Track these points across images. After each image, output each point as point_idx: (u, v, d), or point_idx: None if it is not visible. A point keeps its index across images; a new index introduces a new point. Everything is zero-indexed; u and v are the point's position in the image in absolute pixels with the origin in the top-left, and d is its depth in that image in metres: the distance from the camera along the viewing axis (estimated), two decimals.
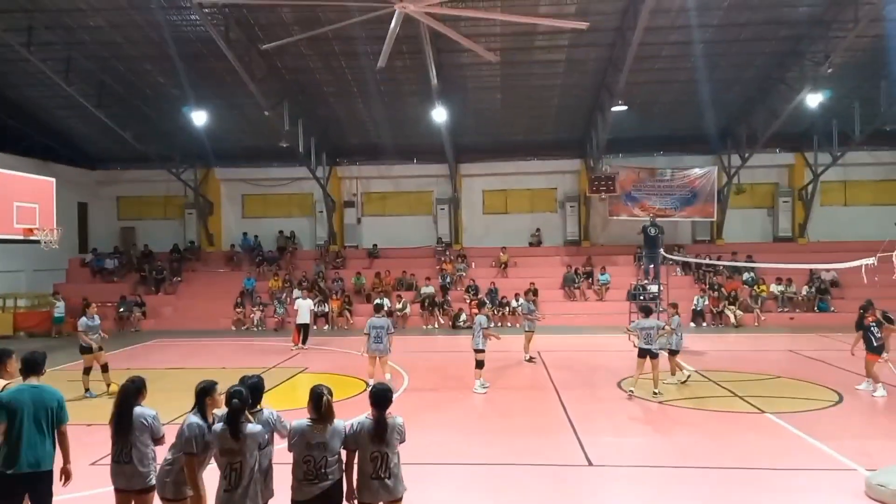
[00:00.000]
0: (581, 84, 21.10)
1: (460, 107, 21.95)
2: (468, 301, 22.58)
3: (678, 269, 23.99)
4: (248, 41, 17.60)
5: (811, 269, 22.13)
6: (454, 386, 12.70)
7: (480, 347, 11.85)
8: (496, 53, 16.64)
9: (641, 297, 18.83)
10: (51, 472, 5.14)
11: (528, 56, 19.20)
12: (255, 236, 26.70)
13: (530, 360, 14.99)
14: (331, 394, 4.92)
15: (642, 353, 11.35)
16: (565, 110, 23.12)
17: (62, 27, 17.44)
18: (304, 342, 17.56)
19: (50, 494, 5.16)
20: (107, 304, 23.14)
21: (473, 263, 25.30)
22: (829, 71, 17.83)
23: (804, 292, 22.72)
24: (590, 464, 8.06)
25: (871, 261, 8.87)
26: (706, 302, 21.84)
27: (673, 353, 12.68)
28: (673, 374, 12.69)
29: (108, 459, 5.25)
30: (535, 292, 17.62)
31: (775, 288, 22.84)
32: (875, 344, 11.44)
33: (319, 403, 4.83)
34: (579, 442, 8.88)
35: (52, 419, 5.14)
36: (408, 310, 22.56)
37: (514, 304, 21.27)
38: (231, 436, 4.55)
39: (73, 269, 25.58)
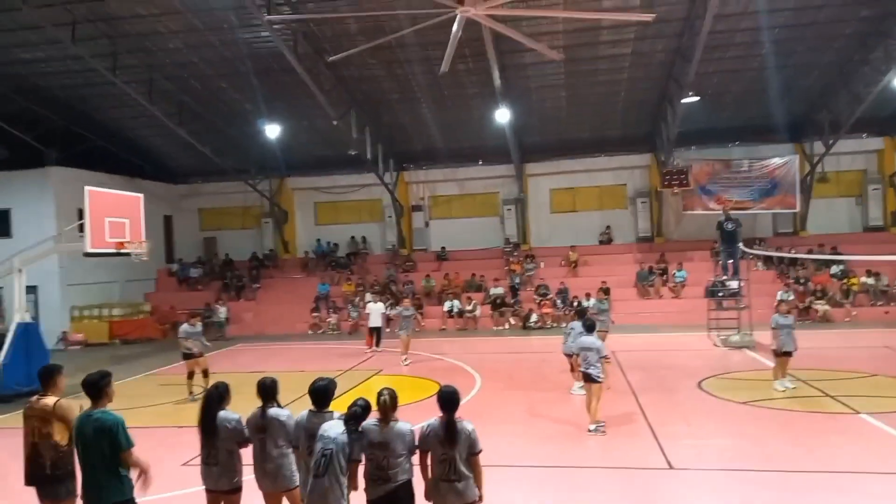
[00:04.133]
0: (648, 77, 20.55)
1: (524, 106, 21.82)
2: (538, 302, 22.41)
3: (759, 263, 22.97)
4: (315, 54, 18.12)
5: None
6: (526, 387, 12.63)
7: (572, 353, 11.04)
8: (560, 51, 16.46)
9: (721, 294, 18.14)
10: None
11: (592, 52, 18.87)
12: (328, 243, 27.40)
13: (605, 359, 14.68)
14: (391, 395, 4.98)
15: (585, 378, 9.48)
16: (633, 104, 22.57)
17: (143, 51, 18.45)
18: (377, 345, 17.87)
19: None
20: (193, 310, 24.40)
21: (542, 263, 25.06)
22: None
23: None
24: (670, 467, 7.84)
25: None
26: (792, 297, 20.80)
27: (786, 353, 11.46)
28: (776, 378, 11.64)
29: (199, 461, 5.53)
30: (607, 291, 17.27)
31: (866, 280, 21.50)
32: None
33: (378, 403, 4.93)
34: (658, 444, 8.65)
35: (112, 448, 4.83)
36: (478, 311, 22.59)
37: (585, 303, 20.92)
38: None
39: (162, 279, 27.02)
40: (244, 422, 5.45)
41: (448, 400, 4.98)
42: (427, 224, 27.26)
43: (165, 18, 16.85)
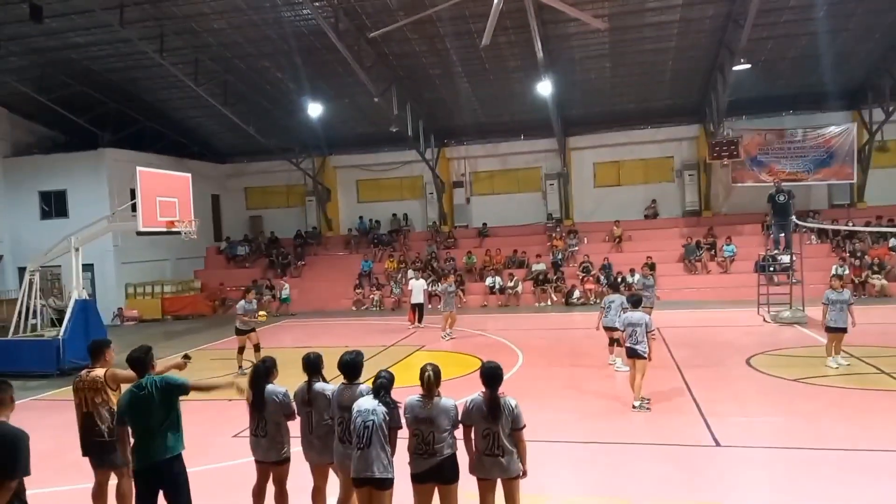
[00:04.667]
0: (697, 45, 19.85)
1: (567, 78, 21.39)
2: (581, 278, 22.18)
3: (813, 236, 22.19)
4: (356, 31, 18.09)
5: None
6: (570, 363, 12.58)
7: (614, 327, 11.07)
8: (604, 20, 16.02)
9: (772, 269, 17.61)
10: (172, 460, 4.98)
11: (638, 20, 18.29)
12: (370, 220, 27.64)
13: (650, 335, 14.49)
14: (435, 370, 5.01)
15: (631, 353, 9.29)
16: (680, 74, 21.87)
17: (189, 32, 18.75)
18: (419, 321, 18.02)
19: (178, 479, 5.01)
20: (240, 287, 25.00)
21: (586, 239, 24.75)
22: None
23: None
24: (717, 444, 7.72)
25: None
26: (847, 271, 20.05)
27: (835, 330, 11.09)
28: (828, 354, 11.25)
29: (248, 433, 5.70)
30: (653, 266, 16.96)
31: None
32: None
33: (422, 379, 4.97)
34: (705, 421, 8.51)
35: (170, 401, 5.00)
36: (519, 288, 22.52)
37: (629, 279, 20.64)
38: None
39: (210, 257, 27.75)
40: (291, 395, 5.58)
41: (491, 375, 4.99)
42: (468, 200, 27.18)
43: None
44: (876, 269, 20.34)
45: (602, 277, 21.90)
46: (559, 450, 7.76)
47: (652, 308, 14.72)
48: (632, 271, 20.39)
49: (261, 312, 14.02)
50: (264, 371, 5.60)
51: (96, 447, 5.76)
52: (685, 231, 24.06)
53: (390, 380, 5.07)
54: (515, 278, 22.79)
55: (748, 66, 18.98)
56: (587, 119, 24.83)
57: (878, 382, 10.09)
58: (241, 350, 12.90)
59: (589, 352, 13.22)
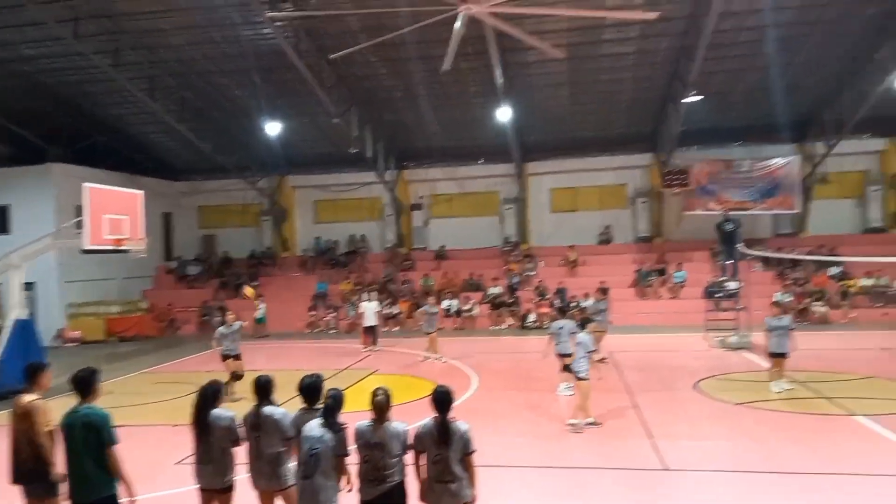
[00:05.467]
0: (652, 76, 20.52)
1: (526, 105, 21.77)
2: (535, 301, 22.38)
3: (758, 264, 22.95)
4: (317, 51, 18.10)
5: None
6: (524, 387, 12.62)
7: (568, 353, 11.06)
8: (563, 49, 16.41)
9: (719, 295, 18.10)
10: (107, 499, 4.90)
11: (595, 50, 18.83)
12: (327, 241, 27.39)
13: (601, 360, 14.67)
14: (386, 394, 4.97)
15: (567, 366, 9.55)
16: (636, 103, 22.53)
17: (145, 47, 18.44)
18: (374, 344, 17.85)
19: None
20: (189, 308, 24.45)
21: (542, 263, 25.04)
22: None
23: None
24: (666, 468, 7.83)
25: None
26: (791, 298, 20.77)
27: (777, 355, 11.47)
28: (772, 379, 11.59)
29: (193, 459, 5.52)
30: (605, 291, 17.30)
31: (866, 282, 21.47)
32: None
33: (373, 403, 4.93)
34: (655, 445, 8.63)
35: (99, 442, 4.87)
36: (476, 311, 22.57)
37: (583, 303, 20.92)
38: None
39: (160, 277, 27.01)
40: (239, 420, 5.44)
41: (442, 400, 4.98)
42: (427, 223, 27.25)
43: (168, 14, 16.84)
44: (817, 296, 21.12)
45: (556, 301, 22.13)
46: (511, 474, 7.75)
47: (605, 332, 14.96)
48: (585, 295, 20.66)
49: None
50: (211, 395, 5.45)
51: (23, 476, 5.48)
52: (637, 257, 24.58)
53: (338, 401, 4.99)
54: (472, 301, 22.85)
55: (700, 97, 19.68)
56: (545, 145, 25.27)
57: (819, 407, 10.42)
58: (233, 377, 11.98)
59: (543, 376, 13.28)
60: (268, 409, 5.38)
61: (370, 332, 17.93)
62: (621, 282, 22.96)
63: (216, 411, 5.39)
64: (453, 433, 4.84)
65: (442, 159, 26.23)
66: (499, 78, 17.67)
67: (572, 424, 9.22)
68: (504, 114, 20.55)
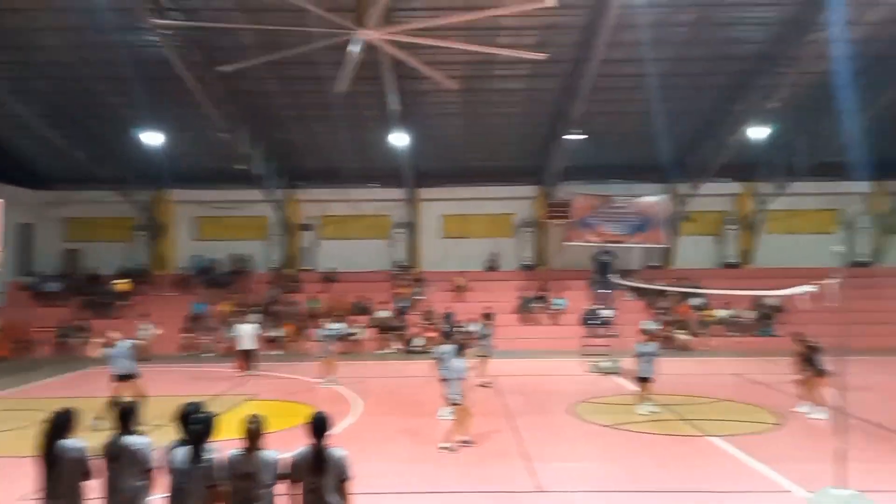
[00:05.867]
0: (539, 112, 21.54)
1: (421, 132, 22.11)
2: (422, 325, 22.52)
3: (629, 294, 24.45)
4: (207, 63, 17.43)
5: (756, 295, 22.80)
6: (406, 412, 12.61)
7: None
8: (457, 81, 16.87)
9: (594, 322, 19.09)
10: None
11: (488, 84, 19.53)
12: (208, 259, 26.16)
13: (484, 385, 14.99)
14: (257, 422, 4.82)
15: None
16: (524, 137, 23.53)
17: (15, 47, 17.02)
18: (250, 368, 17.10)
19: None
20: (46, 328, 22.40)
21: (431, 287, 25.30)
22: (775, 105, 18.66)
23: (749, 316, 23.35)
24: (540, 490, 8.08)
25: (807, 289, 8.99)
26: (660, 326, 22.23)
27: (644, 379, 12.31)
28: (639, 401, 12.39)
29: (38, 495, 5.03)
30: (490, 317, 17.81)
31: (723, 313, 23.47)
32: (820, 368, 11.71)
33: (245, 431, 4.77)
34: (531, 468, 8.90)
35: None
36: (362, 334, 22.35)
37: (470, 328, 21.33)
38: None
39: (14, 293, 24.57)
40: (96, 450, 5.04)
41: (318, 426, 4.90)
42: (316, 244, 26.77)
43: (41, 13, 15.64)
44: (679, 325, 22.80)
45: (443, 326, 22.38)
46: (388, 501, 7.71)
47: (488, 357, 15.32)
48: (472, 321, 21.07)
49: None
50: (60, 423, 5.01)
51: None
52: (521, 284, 25.46)
53: (206, 423, 4.76)
54: (358, 325, 22.61)
55: (582, 136, 20.88)
56: (438, 172, 25.71)
57: (681, 428, 11.21)
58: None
59: (426, 399, 13.34)
60: (129, 439, 5.03)
61: (246, 355, 17.20)
62: (505, 308, 23.63)
63: (66, 441, 4.97)
64: (328, 460, 4.75)
65: (334, 180, 25.94)
66: (393, 104, 17.87)
67: (445, 447, 9.35)
68: (398, 139, 20.75)
